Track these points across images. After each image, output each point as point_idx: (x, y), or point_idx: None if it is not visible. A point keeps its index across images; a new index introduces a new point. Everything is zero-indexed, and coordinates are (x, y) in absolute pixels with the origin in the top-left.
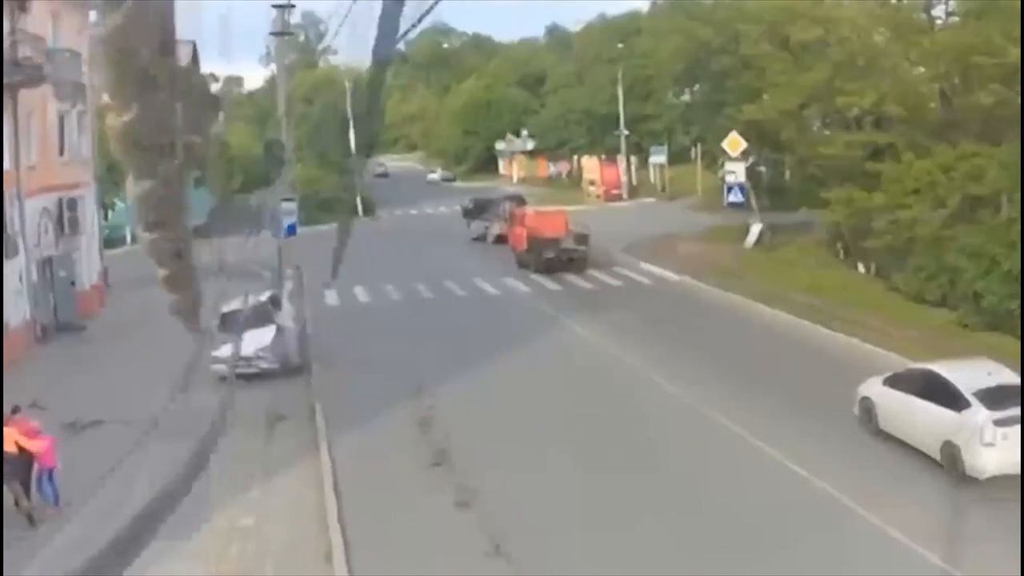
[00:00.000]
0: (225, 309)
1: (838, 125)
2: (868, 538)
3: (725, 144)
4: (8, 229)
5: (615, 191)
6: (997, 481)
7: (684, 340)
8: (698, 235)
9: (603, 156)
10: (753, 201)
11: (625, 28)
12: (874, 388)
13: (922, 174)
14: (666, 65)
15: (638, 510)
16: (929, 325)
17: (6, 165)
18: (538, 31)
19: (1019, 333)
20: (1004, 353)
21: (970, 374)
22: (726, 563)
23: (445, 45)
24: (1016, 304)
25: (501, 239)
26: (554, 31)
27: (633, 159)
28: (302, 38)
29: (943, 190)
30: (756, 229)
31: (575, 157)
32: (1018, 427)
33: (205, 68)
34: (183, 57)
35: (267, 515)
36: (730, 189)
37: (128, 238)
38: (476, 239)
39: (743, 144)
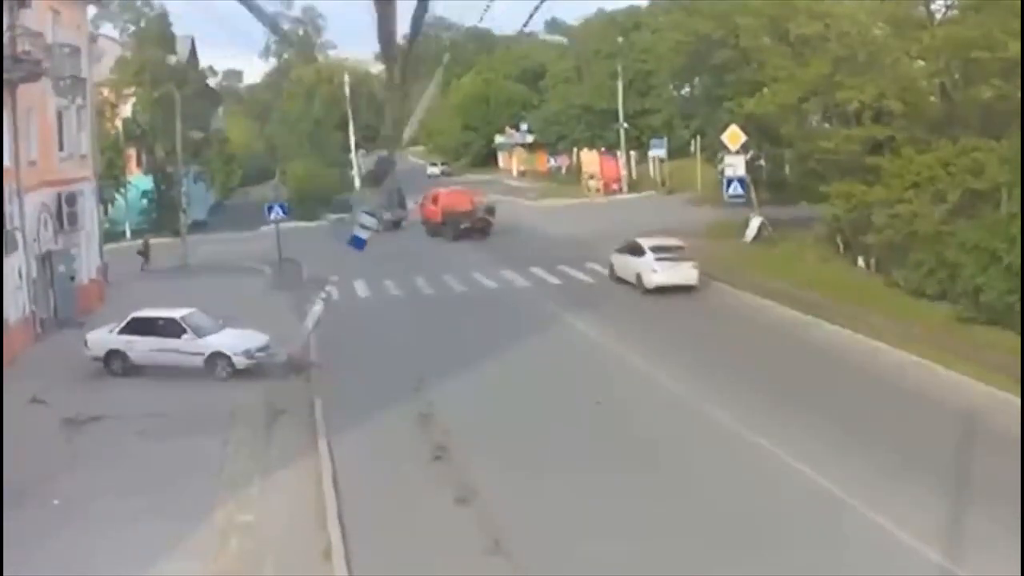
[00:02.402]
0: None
1: (838, 119)
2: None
3: (725, 138)
4: (7, 225)
5: (614, 185)
6: (661, 290)
7: (682, 335)
8: (697, 229)
9: (602, 150)
10: (753, 195)
11: (624, 23)
12: (611, 256)
13: (922, 169)
14: (666, 59)
15: (638, 507)
16: (929, 320)
17: (5, 161)
18: (537, 26)
19: (1019, 328)
20: (1004, 348)
21: (651, 242)
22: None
23: (445, 39)
24: (1016, 299)
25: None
26: (553, 25)
27: (633, 153)
28: (301, 32)
29: (943, 185)
30: (755, 223)
31: (574, 151)
32: (670, 263)
33: (204, 62)
34: (182, 52)
35: (266, 511)
36: (730, 183)
37: (128, 233)
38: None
39: (743, 138)
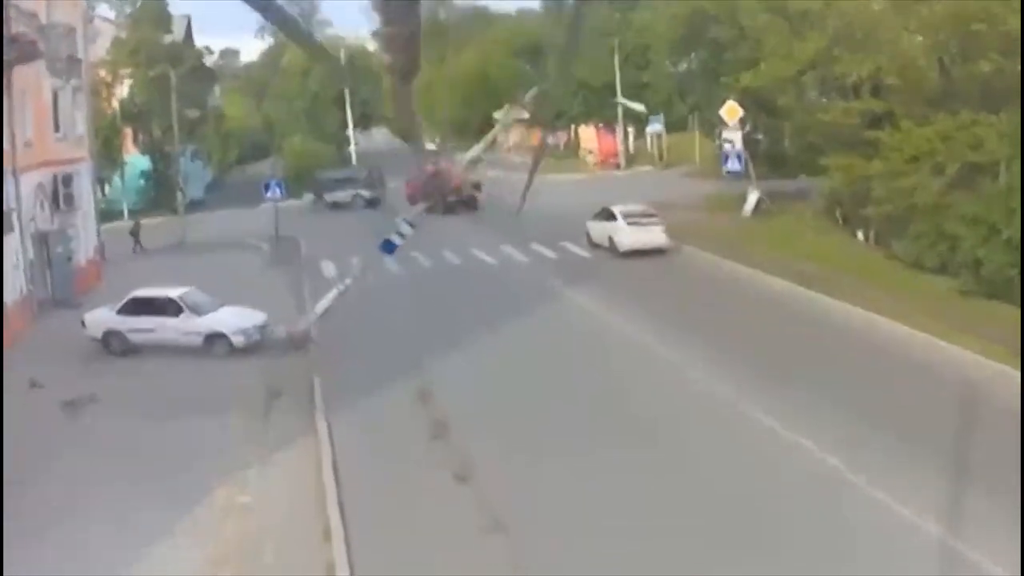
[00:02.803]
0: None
1: (836, 93)
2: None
3: (722, 112)
4: (4, 206)
5: (612, 160)
6: (633, 252)
7: (680, 308)
8: (696, 204)
9: (600, 125)
10: (751, 169)
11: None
12: (587, 223)
13: (921, 142)
14: (664, 35)
15: (637, 482)
16: (929, 293)
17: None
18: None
19: (1018, 301)
20: (1004, 320)
21: (623, 208)
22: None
23: (442, 15)
24: (1015, 272)
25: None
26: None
27: (630, 128)
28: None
29: (942, 158)
30: (754, 197)
31: (572, 127)
32: (640, 227)
33: (200, 42)
34: (178, 31)
35: (265, 493)
36: (727, 157)
37: (125, 213)
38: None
39: (740, 112)
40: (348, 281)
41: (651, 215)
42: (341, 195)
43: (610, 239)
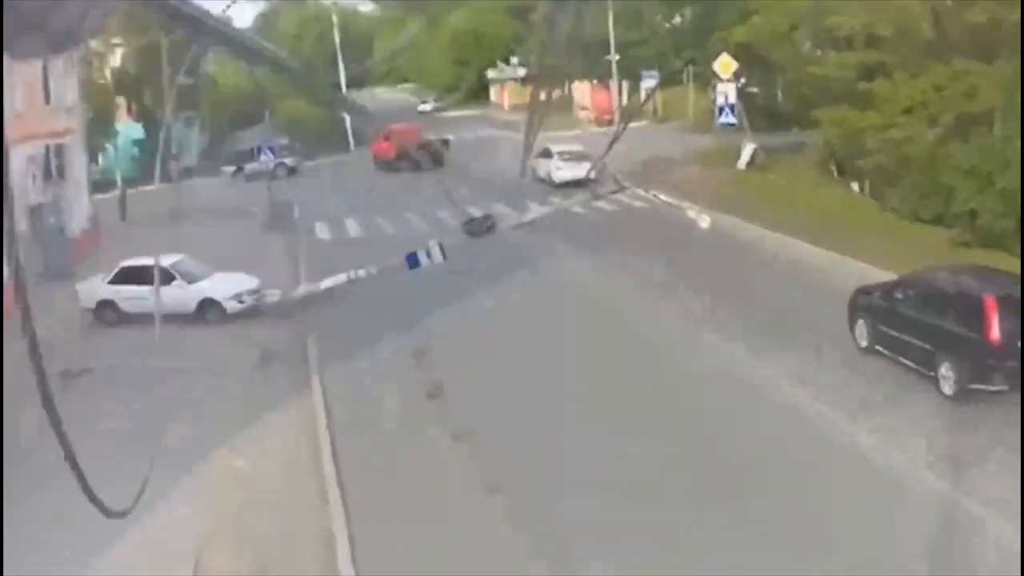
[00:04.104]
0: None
1: (829, 45)
2: None
3: (716, 66)
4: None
5: (607, 116)
6: (566, 185)
7: (677, 262)
8: (691, 158)
9: (594, 82)
10: (745, 122)
11: None
12: (532, 161)
13: (915, 93)
14: None
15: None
16: (925, 244)
17: None
18: None
19: (1016, 250)
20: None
21: (558, 147)
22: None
23: None
24: (1011, 222)
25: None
26: None
27: (625, 83)
28: None
29: (936, 109)
30: (749, 150)
31: (567, 83)
32: (571, 163)
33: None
34: None
35: (261, 457)
36: (721, 111)
37: (119, 182)
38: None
39: (734, 65)
40: (361, 272)
41: (581, 155)
42: (259, 165)
43: (548, 173)
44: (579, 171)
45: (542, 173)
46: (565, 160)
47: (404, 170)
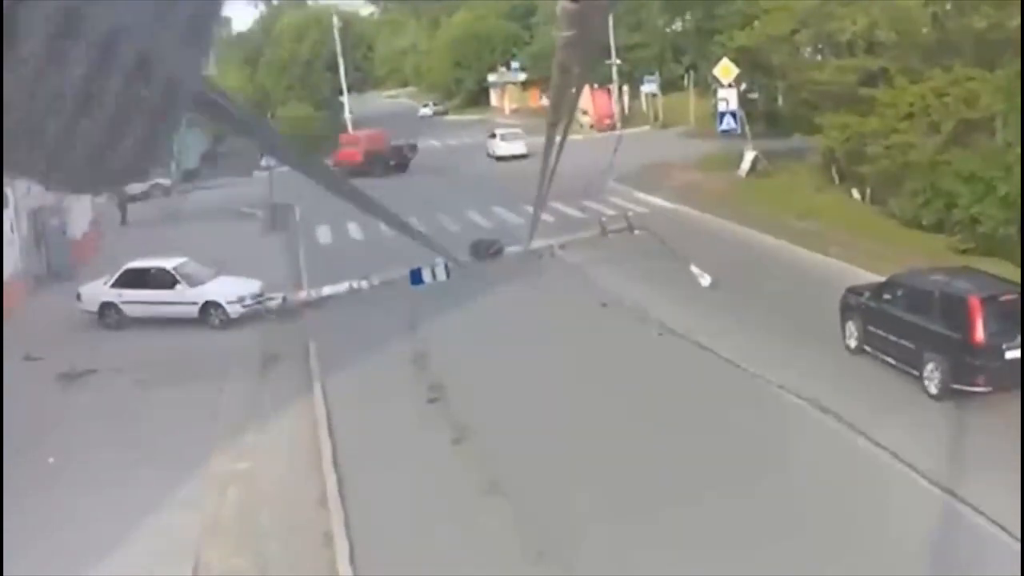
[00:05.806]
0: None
1: (830, 50)
2: None
3: (717, 71)
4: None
5: (607, 120)
6: (506, 159)
7: (677, 268)
8: (691, 163)
9: (595, 86)
10: (746, 128)
11: None
12: (487, 142)
13: (916, 99)
14: None
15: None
16: (926, 250)
17: None
18: None
19: (1016, 258)
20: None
21: (500, 129)
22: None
23: None
24: (1013, 229)
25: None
26: None
27: (625, 88)
28: None
29: (937, 114)
30: (750, 156)
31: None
32: (509, 141)
33: None
34: None
35: (262, 459)
36: (723, 116)
37: None
38: None
39: (735, 71)
40: (363, 283)
41: (517, 134)
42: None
43: (493, 151)
44: (517, 147)
45: (489, 150)
46: (505, 139)
47: (370, 175)
